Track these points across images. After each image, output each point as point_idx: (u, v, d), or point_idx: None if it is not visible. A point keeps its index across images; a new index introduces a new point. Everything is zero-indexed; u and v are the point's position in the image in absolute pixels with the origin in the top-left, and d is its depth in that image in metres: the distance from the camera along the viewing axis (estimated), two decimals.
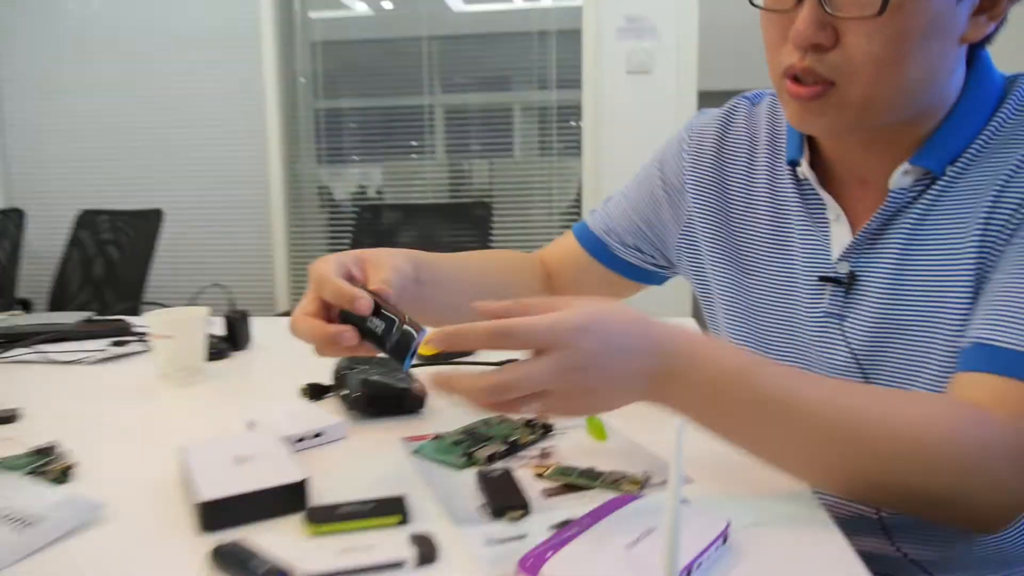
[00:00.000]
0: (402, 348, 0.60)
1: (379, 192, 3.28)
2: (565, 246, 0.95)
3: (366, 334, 0.60)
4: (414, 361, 0.61)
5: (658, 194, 0.88)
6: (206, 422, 0.84)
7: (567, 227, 3.36)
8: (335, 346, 0.59)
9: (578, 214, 3.14)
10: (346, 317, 0.61)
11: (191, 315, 0.99)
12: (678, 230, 0.87)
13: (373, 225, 2.39)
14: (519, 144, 3.20)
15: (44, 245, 3.17)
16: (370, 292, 0.61)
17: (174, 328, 0.97)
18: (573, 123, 3.13)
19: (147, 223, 2.27)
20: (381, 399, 0.81)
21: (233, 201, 3.29)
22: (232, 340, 1.16)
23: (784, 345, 0.78)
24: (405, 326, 0.59)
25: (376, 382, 0.82)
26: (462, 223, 2.28)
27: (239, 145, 3.26)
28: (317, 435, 0.74)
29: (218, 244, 3.33)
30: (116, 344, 1.17)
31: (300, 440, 0.74)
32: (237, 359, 1.13)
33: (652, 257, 0.90)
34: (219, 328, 1.17)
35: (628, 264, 0.91)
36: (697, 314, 1.02)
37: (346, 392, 0.83)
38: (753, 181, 0.80)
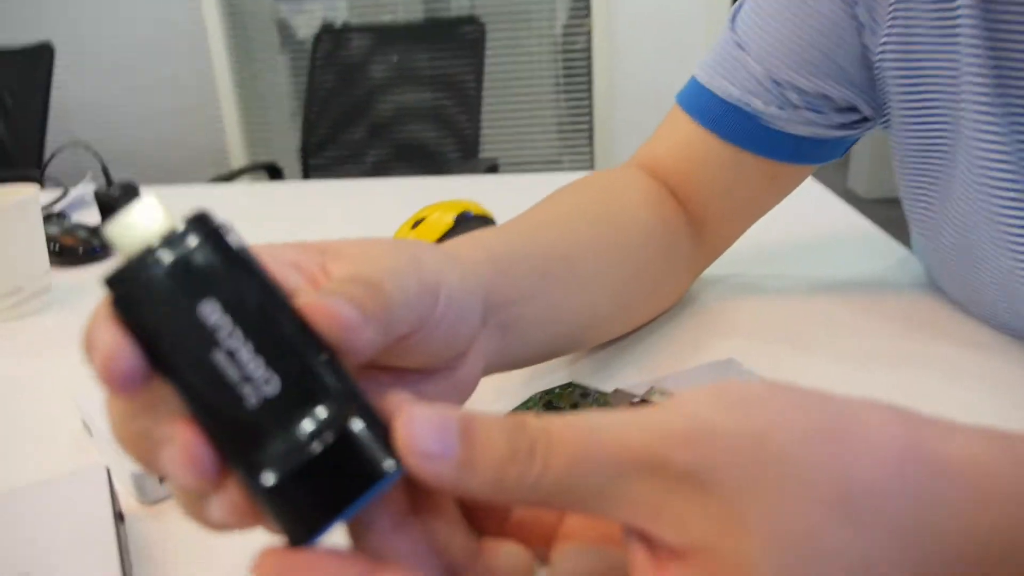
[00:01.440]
0: (337, 476, 0.19)
1: (346, 25, 2.75)
2: (679, 136, 0.51)
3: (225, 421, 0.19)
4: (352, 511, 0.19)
5: None
6: (21, 400, 0.46)
7: (574, 54, 2.88)
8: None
9: (587, 37, 2.62)
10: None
11: (4, 200, 0.57)
12: (879, 40, 0.44)
13: (335, 58, 1.90)
14: None
15: None
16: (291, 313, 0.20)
17: None
18: None
19: (35, 62, 1.76)
20: None
21: (159, 40, 2.73)
22: None
23: None
24: (352, 421, 0.19)
25: None
26: (448, 46, 1.79)
27: None
28: None
29: (145, 91, 2.81)
30: None
31: None
32: None
33: (846, 107, 0.48)
34: (93, 215, 0.76)
35: (795, 139, 0.48)
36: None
37: None
38: None
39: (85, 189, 0.95)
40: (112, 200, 0.73)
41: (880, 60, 0.45)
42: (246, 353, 0.18)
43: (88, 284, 0.67)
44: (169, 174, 2.80)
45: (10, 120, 1.85)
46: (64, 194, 0.92)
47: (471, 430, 0.18)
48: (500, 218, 0.69)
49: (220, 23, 2.70)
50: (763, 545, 0.17)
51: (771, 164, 0.49)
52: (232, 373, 0.18)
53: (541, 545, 0.22)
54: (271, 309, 0.19)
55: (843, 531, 0.17)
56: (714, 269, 0.59)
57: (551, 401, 0.41)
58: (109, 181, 0.75)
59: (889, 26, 0.43)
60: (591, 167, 2.72)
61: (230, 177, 1.89)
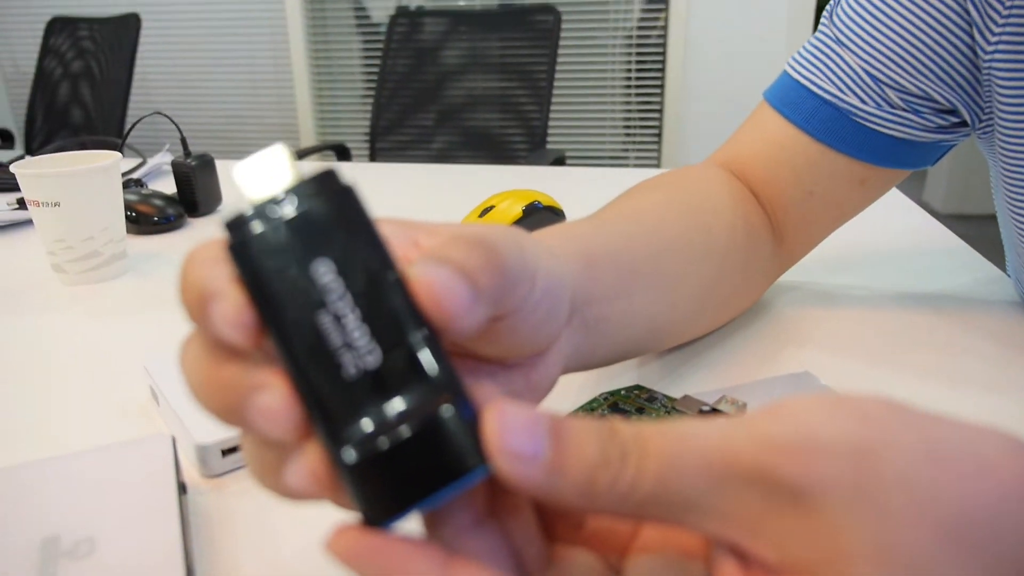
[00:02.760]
0: (437, 460, 0.18)
1: (420, 9, 2.75)
2: (766, 134, 0.49)
3: (321, 398, 0.18)
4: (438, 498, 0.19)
5: None
6: (92, 364, 0.47)
7: (648, 49, 2.80)
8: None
9: (662, 32, 2.57)
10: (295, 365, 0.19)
11: (85, 166, 0.58)
12: (991, 39, 0.42)
13: (409, 41, 1.90)
14: None
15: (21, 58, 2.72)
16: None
17: (58, 189, 0.57)
18: None
19: (122, 32, 1.81)
20: None
21: (240, 14, 2.79)
22: (186, 201, 0.76)
23: None
24: (445, 409, 0.18)
25: None
26: (523, 35, 1.78)
27: None
28: None
29: (223, 66, 2.87)
30: (21, 206, 0.78)
31: (232, 451, 0.36)
32: (194, 230, 0.74)
33: (946, 109, 0.45)
34: (170, 184, 0.78)
35: (889, 141, 0.46)
36: None
37: None
38: None
39: (163, 159, 0.97)
40: (188, 171, 0.75)
41: (990, 61, 0.42)
42: (352, 320, 0.18)
43: (161, 252, 0.68)
44: (240, 148, 2.86)
45: (96, 88, 1.92)
46: (142, 163, 0.95)
47: (562, 432, 0.18)
48: (567, 209, 0.68)
49: (299, 3, 2.74)
50: (868, 571, 0.16)
51: (862, 166, 0.47)
52: (335, 338, 0.18)
53: (615, 555, 0.21)
54: (384, 279, 0.19)
55: (955, 559, 0.16)
56: (790, 276, 0.56)
57: (616, 403, 0.39)
58: (187, 152, 0.77)
59: (1003, 25, 0.41)
60: (658, 165, 2.67)
61: (299, 156, 1.92)
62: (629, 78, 2.67)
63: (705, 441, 0.17)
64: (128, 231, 0.69)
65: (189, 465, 0.36)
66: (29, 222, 0.76)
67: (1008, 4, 0.40)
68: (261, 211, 0.19)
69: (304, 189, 0.19)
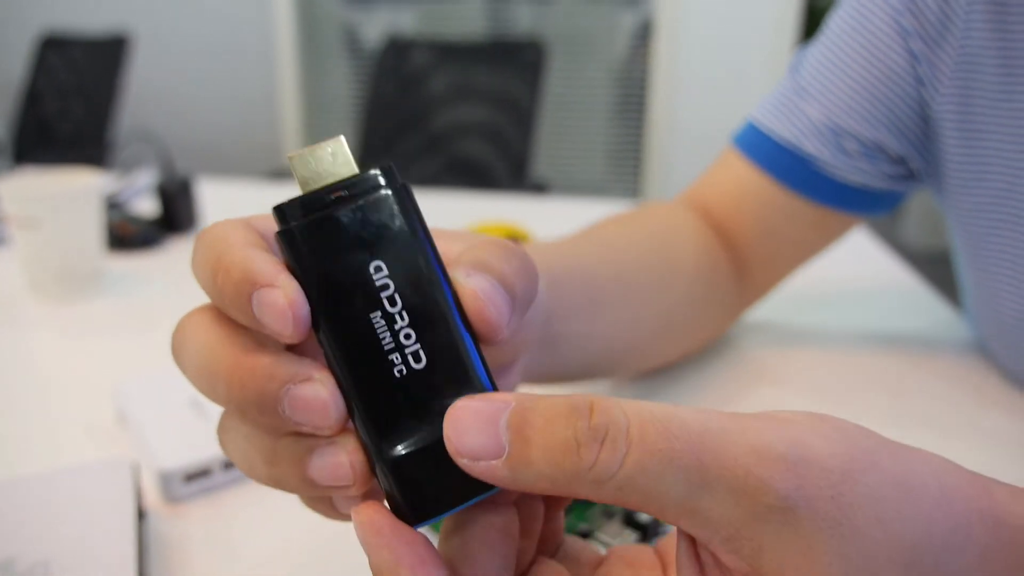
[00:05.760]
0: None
1: (412, 39, 2.79)
2: (730, 175, 0.51)
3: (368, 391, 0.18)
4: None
5: (905, 30, 0.44)
6: (60, 384, 0.47)
7: (631, 85, 2.86)
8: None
9: (645, 68, 2.62)
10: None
11: (67, 186, 0.59)
12: (938, 97, 0.44)
13: (398, 69, 1.93)
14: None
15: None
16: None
17: (40, 209, 0.57)
18: None
19: (112, 52, 1.82)
20: None
21: (230, 37, 2.81)
22: (168, 220, 0.77)
23: None
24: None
25: None
26: (509, 68, 1.81)
27: None
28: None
29: (213, 86, 2.88)
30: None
31: (195, 477, 0.36)
32: (173, 250, 0.75)
33: (897, 158, 0.47)
34: (151, 202, 0.78)
35: (845, 187, 0.48)
36: None
37: None
38: None
39: (147, 178, 0.97)
40: (172, 190, 0.75)
41: (939, 117, 0.44)
42: (402, 321, 0.18)
43: (139, 272, 0.68)
44: (224, 165, 2.86)
45: (86, 103, 1.93)
46: (126, 182, 0.95)
47: (527, 421, 0.17)
48: (544, 238, 0.69)
49: (290, 26, 2.77)
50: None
51: (819, 210, 0.49)
52: (386, 338, 0.18)
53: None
54: (433, 283, 0.18)
55: None
56: (755, 316, 0.58)
57: None
58: (172, 172, 0.77)
59: (950, 85, 0.43)
60: (635, 196, 2.71)
61: (284, 175, 1.92)
62: (611, 112, 2.71)
63: (700, 440, 0.17)
64: (108, 250, 0.69)
65: (152, 490, 0.36)
66: (5, 238, 0.76)
67: (955, 66, 0.43)
68: (316, 200, 0.18)
69: (361, 182, 0.18)
